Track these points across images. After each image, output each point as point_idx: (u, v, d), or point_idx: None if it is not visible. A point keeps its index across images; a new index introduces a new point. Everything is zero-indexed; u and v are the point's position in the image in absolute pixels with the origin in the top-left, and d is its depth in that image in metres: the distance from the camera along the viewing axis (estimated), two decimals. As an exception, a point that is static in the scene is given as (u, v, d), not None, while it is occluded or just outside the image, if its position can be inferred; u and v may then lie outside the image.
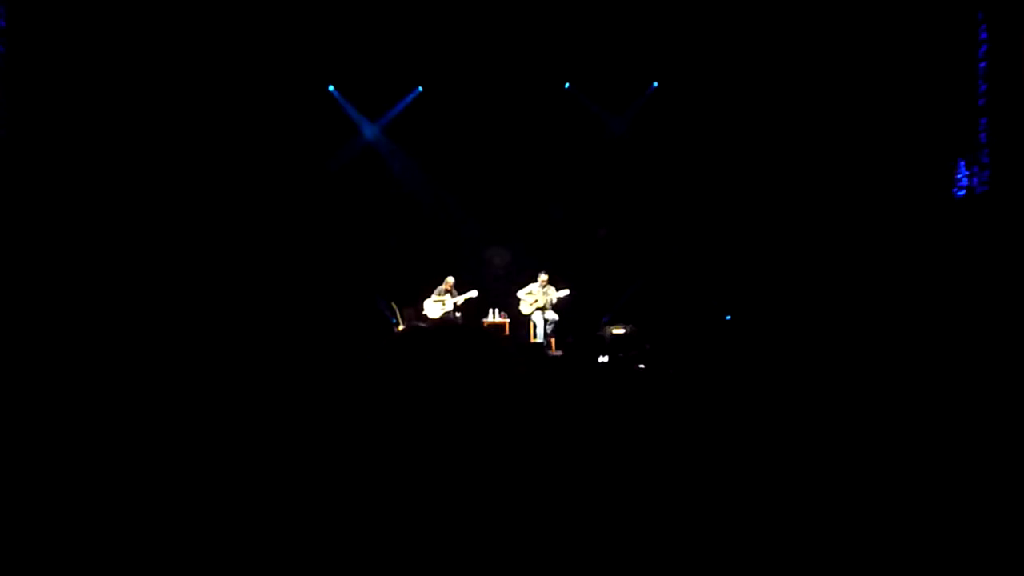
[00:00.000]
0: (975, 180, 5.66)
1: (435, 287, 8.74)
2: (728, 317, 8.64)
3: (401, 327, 8.54)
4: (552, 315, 8.74)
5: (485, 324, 8.62)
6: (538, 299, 8.76)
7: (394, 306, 8.79)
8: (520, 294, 8.92)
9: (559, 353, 8.13)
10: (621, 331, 8.31)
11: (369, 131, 9.33)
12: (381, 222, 9.40)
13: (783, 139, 8.36)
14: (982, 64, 5.59)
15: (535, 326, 8.78)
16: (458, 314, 8.68)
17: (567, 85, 9.23)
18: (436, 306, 8.55)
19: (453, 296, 8.63)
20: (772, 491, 1.92)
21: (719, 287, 8.91)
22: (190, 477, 1.81)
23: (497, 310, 9.03)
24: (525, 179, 9.51)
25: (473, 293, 8.53)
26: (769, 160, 8.51)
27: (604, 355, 6.23)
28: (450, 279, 8.65)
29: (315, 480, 1.78)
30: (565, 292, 8.62)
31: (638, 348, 6.99)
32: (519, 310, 8.91)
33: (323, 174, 9.07)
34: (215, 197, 7.94)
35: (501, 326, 8.69)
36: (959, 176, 5.88)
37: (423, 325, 8.07)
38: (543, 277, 8.80)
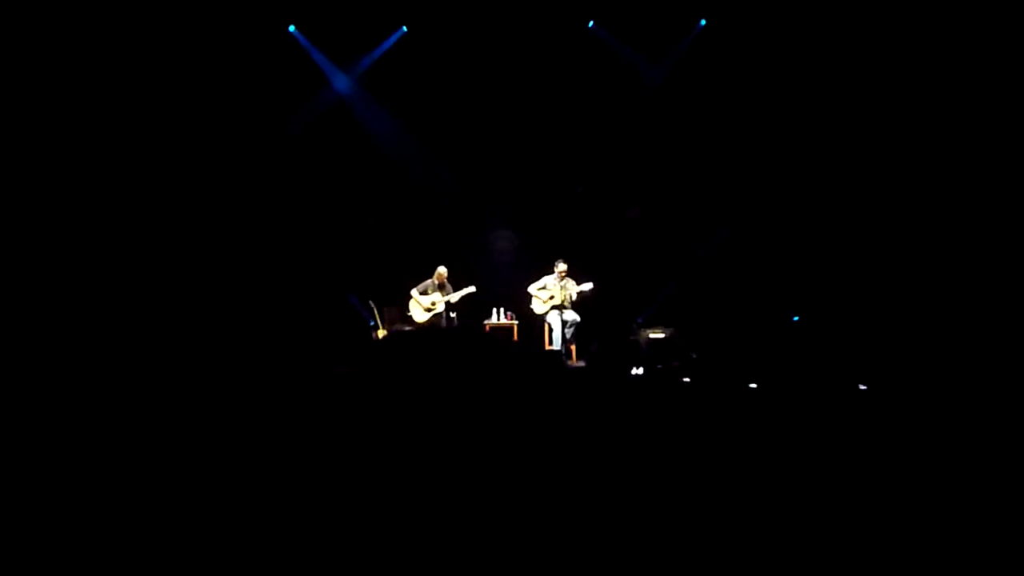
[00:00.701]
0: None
1: (423, 281, 8.78)
2: (796, 318, 8.77)
3: (381, 333, 8.66)
4: (572, 315, 8.79)
5: (487, 327, 8.73)
6: (554, 295, 8.82)
7: (372, 306, 8.86)
8: (532, 289, 8.97)
9: (581, 364, 8.26)
10: (660, 336, 8.39)
11: (340, 83, 9.33)
12: (355, 199, 9.48)
13: (868, 97, 8.34)
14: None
15: (550, 329, 8.87)
16: (452, 315, 8.83)
17: (591, 24, 9.26)
18: (424, 306, 8.67)
19: (446, 292, 8.67)
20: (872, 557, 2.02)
21: (782, 279, 8.99)
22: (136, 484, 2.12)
23: (502, 309, 9.11)
24: (538, 144, 9.58)
25: (471, 289, 8.59)
26: (848, 122, 8.48)
27: (638, 366, 6.32)
28: (442, 270, 8.67)
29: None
30: (588, 286, 8.63)
31: (682, 357, 7.07)
32: (530, 309, 8.99)
33: (281, 139, 9.11)
34: (141, 164, 8.10)
35: (507, 330, 8.82)
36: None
37: (408, 329, 8.25)
38: (561, 268, 8.82)
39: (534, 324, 9.04)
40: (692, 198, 9.53)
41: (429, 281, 8.79)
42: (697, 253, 9.62)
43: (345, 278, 9.39)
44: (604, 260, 9.53)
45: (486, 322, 8.94)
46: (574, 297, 8.72)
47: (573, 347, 8.81)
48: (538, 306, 8.96)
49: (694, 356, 7.12)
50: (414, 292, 8.69)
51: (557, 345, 8.70)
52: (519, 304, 9.16)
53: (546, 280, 8.97)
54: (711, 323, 8.90)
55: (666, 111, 9.39)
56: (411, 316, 8.72)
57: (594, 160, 9.66)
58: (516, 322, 9.06)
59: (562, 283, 8.78)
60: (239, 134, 8.77)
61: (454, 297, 8.59)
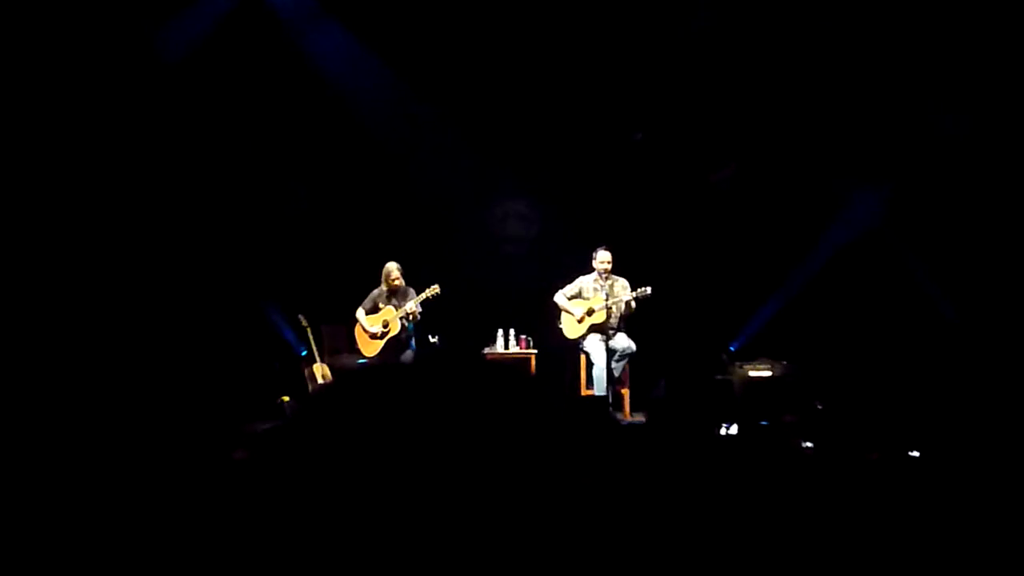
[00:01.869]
0: None
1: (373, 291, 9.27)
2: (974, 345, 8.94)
3: (319, 370, 9.01)
4: (623, 342, 8.96)
5: (488, 358, 8.62)
6: (595, 308, 8.94)
7: (303, 325, 9.19)
8: (560, 299, 9.14)
9: (638, 418, 8.42)
10: (764, 374, 8.61)
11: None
12: (278, 161, 9.66)
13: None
14: None
15: (590, 364, 8.96)
16: (433, 339, 9.17)
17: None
18: (370, 332, 9.08)
19: (398, 301, 9.03)
20: None
21: (954, 284, 9.27)
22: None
23: (512, 333, 9.38)
24: (568, 66, 9.73)
25: (431, 290, 8.89)
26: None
27: (730, 422, 6.21)
28: (391, 269, 8.99)
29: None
30: (645, 291, 8.78)
31: (800, 409, 7.16)
32: (558, 331, 9.15)
33: (152, 66, 9.13)
34: None
35: (520, 363, 8.99)
36: None
37: (361, 366, 8.47)
38: (603, 259, 9.00)
39: (564, 355, 9.24)
40: (821, 155, 9.71)
41: (377, 290, 9.10)
42: (825, 244, 9.80)
43: (262, 283, 9.62)
44: (674, 253, 9.75)
45: (486, 350, 9.24)
46: (624, 309, 8.93)
47: (626, 391, 8.94)
48: (570, 326, 9.11)
49: (820, 407, 7.26)
50: (359, 313, 9.09)
51: (600, 389, 8.76)
52: (539, 323, 9.44)
53: (582, 283, 9.14)
54: (845, 355, 9.04)
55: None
56: (359, 350, 9.18)
57: (659, 92, 9.81)
58: (534, 351, 9.29)
59: (606, 286, 8.94)
60: (77, 57, 8.80)
61: (410, 306, 8.85)
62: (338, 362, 9.03)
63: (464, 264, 9.93)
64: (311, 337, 9.24)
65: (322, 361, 9.13)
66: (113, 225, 9.02)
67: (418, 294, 8.99)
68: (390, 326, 8.94)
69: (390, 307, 8.99)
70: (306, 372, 9.09)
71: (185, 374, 8.23)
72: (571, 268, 9.37)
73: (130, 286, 8.96)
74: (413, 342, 9.04)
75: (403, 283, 9.02)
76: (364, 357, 9.01)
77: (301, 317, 9.27)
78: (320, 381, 8.86)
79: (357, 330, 9.13)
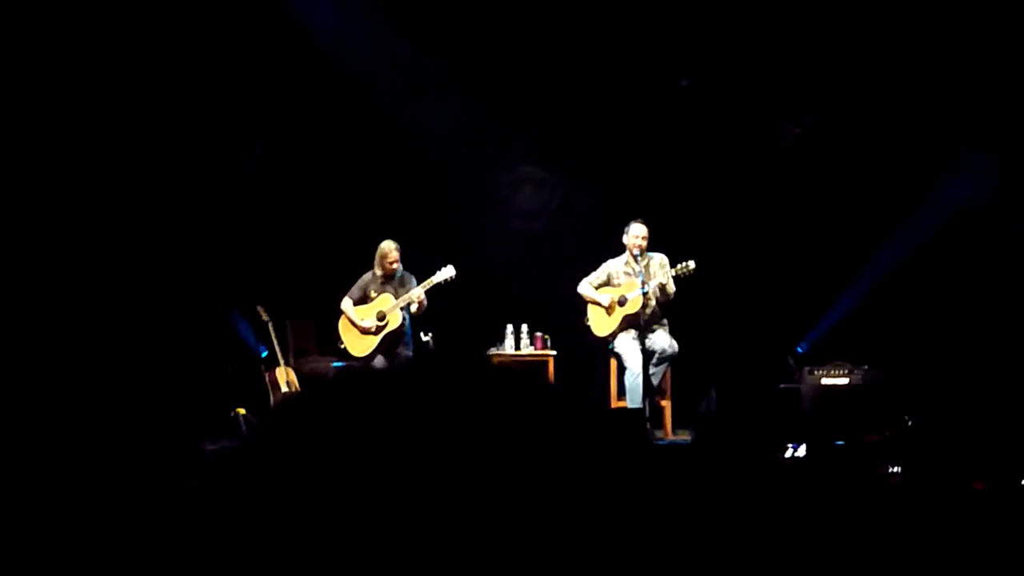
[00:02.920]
0: None
1: (362, 277, 9.24)
2: None
3: (283, 375, 9.05)
4: (663, 341, 8.91)
5: (495, 361, 8.76)
6: (628, 296, 8.88)
7: (263, 319, 9.18)
8: (586, 289, 9.14)
9: (683, 438, 8.37)
10: (841, 381, 8.61)
11: None
12: (225, 108, 9.68)
13: None
14: None
15: (622, 368, 8.92)
16: (427, 338, 9.18)
17: None
18: (361, 327, 9.05)
19: (399, 289, 9.04)
20: None
21: None
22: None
23: (525, 329, 9.36)
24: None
25: (446, 273, 8.99)
26: None
27: (797, 443, 6.46)
28: (387, 248, 9.02)
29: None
30: (688, 266, 8.86)
31: (888, 425, 7.21)
32: (584, 327, 9.15)
33: None
34: None
35: (535, 368, 9.01)
36: None
37: (338, 370, 8.58)
38: (638, 234, 8.94)
39: (591, 357, 9.25)
40: (919, 109, 9.68)
41: (368, 275, 9.09)
42: (919, 222, 9.76)
43: (209, 267, 9.61)
44: (727, 231, 9.81)
45: (493, 352, 9.19)
46: (661, 295, 8.84)
47: (667, 403, 8.90)
48: (598, 320, 9.07)
49: (911, 423, 7.32)
50: (345, 304, 9.04)
51: (636, 400, 8.73)
52: (559, 318, 9.45)
53: (610, 268, 9.14)
54: (942, 359, 9.08)
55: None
56: (345, 348, 9.06)
57: (712, 22, 9.77)
58: (553, 352, 9.31)
59: (640, 266, 8.89)
60: None
61: (415, 293, 8.86)
62: (307, 365, 9.00)
63: (464, 243, 9.88)
64: (273, 334, 9.21)
65: (287, 364, 9.11)
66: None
67: (419, 281, 9.02)
68: (388, 318, 8.93)
69: (387, 294, 9.00)
70: (267, 378, 9.05)
71: (112, 383, 8.27)
72: (599, 249, 9.32)
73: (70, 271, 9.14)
74: (410, 338, 9.07)
75: (401, 267, 9.08)
76: (355, 357, 8.96)
77: (260, 309, 9.27)
78: (284, 390, 8.90)
79: (343, 324, 9.07)
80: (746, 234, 10.02)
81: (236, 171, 9.95)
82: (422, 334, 9.20)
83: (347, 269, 9.28)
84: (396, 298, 8.98)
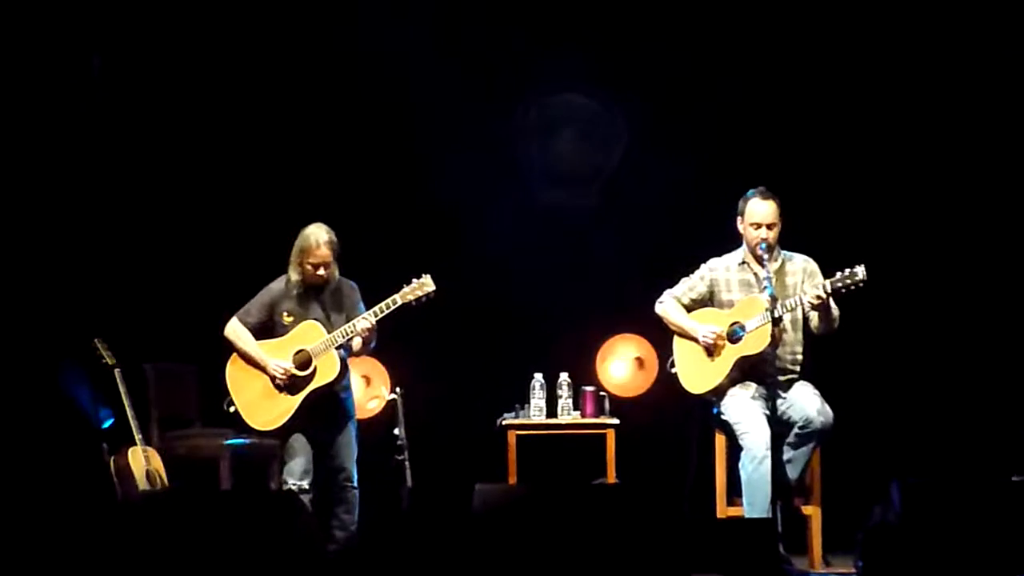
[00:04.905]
0: None
1: (269, 287, 7.63)
2: None
3: (142, 468, 7.76)
4: (810, 406, 7.18)
5: (514, 433, 7.91)
6: (745, 323, 7.29)
7: (106, 361, 7.91)
8: (672, 308, 7.59)
9: (844, 571, 7.30)
10: None
11: None
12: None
13: None
14: None
15: (737, 448, 7.45)
16: (393, 395, 7.77)
17: None
18: (257, 390, 7.42)
19: (325, 310, 7.57)
20: None
21: None
22: None
23: (564, 380, 8.10)
24: None
25: (419, 289, 7.36)
26: None
27: None
28: (315, 236, 7.49)
29: None
30: (855, 274, 7.08)
31: None
32: (673, 377, 7.66)
33: None
34: None
35: (587, 445, 8.21)
36: None
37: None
38: (761, 215, 7.30)
39: (681, 427, 7.93)
40: None
41: (278, 284, 7.45)
42: None
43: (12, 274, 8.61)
44: (914, 223, 8.68)
45: (509, 419, 7.86)
46: (813, 321, 7.26)
47: (815, 510, 7.48)
48: (694, 366, 7.47)
49: None
50: (234, 330, 7.41)
51: (760, 505, 7.18)
52: (620, 360, 8.72)
53: (714, 273, 7.47)
54: None
55: None
56: (237, 412, 7.32)
57: None
58: (614, 421, 7.91)
59: (766, 271, 7.13)
60: None
61: (360, 324, 7.21)
62: (182, 443, 7.57)
63: (457, 232, 8.39)
64: (123, 389, 7.52)
65: (146, 442, 7.55)
66: None
67: (374, 299, 7.61)
68: (315, 364, 7.08)
69: (312, 321, 7.17)
70: (112, 464, 7.47)
71: None
72: (690, 241, 7.77)
73: None
74: (351, 403, 7.31)
75: (336, 272, 7.20)
76: (252, 429, 7.17)
77: (98, 344, 7.65)
78: (142, 485, 7.39)
79: (232, 370, 7.25)
80: (945, 236, 8.56)
81: (59, 95, 8.55)
82: (395, 389, 7.56)
83: (252, 277, 7.54)
84: (328, 328, 7.15)
